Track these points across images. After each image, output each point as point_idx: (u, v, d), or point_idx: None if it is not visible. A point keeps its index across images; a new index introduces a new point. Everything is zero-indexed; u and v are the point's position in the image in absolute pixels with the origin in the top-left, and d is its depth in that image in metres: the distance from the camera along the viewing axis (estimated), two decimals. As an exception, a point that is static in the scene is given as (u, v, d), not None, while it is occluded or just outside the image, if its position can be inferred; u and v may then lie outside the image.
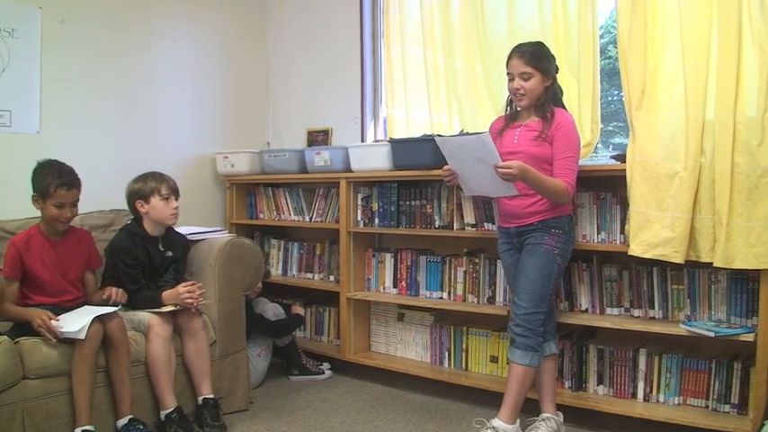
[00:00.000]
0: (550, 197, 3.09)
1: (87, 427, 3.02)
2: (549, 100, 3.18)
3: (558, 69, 3.24)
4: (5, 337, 3.02)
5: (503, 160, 2.94)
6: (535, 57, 3.15)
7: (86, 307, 3.35)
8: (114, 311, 3.24)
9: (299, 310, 4.54)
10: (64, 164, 3.32)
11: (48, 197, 3.23)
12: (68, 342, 3.05)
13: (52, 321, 3.02)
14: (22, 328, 3.13)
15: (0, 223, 3.61)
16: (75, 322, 3.07)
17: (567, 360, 3.62)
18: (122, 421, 3.19)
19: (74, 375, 3.03)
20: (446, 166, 3.22)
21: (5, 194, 3.80)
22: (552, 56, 3.22)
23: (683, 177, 3.08)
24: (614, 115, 4.06)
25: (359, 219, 4.40)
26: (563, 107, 3.24)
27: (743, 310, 3.19)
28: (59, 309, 3.23)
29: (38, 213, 3.35)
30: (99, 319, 3.12)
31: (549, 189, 3.04)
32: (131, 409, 3.22)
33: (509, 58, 3.21)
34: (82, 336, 3.02)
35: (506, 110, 3.37)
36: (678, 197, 3.09)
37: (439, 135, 3.51)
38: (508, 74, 3.22)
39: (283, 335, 4.36)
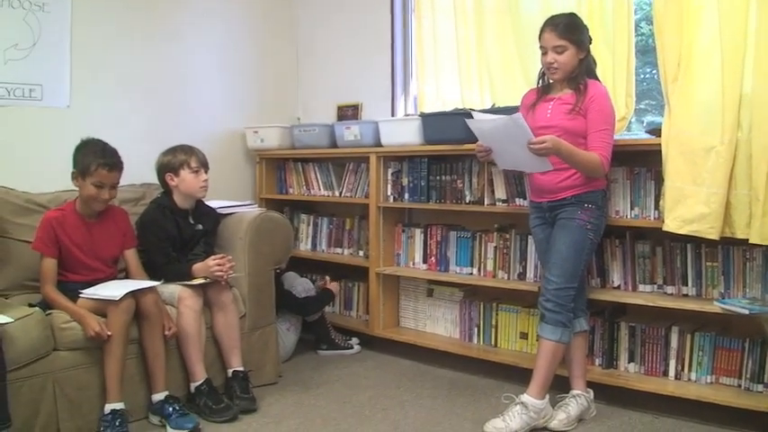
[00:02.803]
0: (585, 171, 3.04)
1: (117, 405, 3.04)
2: (582, 72, 3.11)
3: (591, 40, 3.18)
4: (37, 308, 3.05)
5: (535, 135, 2.90)
6: (569, 29, 3.08)
7: (126, 281, 3.38)
8: (151, 286, 3.25)
9: (332, 285, 4.54)
10: (108, 144, 3.30)
11: (87, 175, 3.20)
12: (100, 315, 3.08)
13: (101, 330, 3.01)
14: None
15: (31, 196, 3.64)
16: (113, 291, 3.10)
17: (598, 337, 3.59)
18: (158, 396, 3.21)
19: (105, 348, 3.04)
20: (479, 142, 3.18)
21: (36, 168, 3.83)
22: (585, 26, 3.15)
23: (719, 152, 3.01)
24: (647, 93, 3.98)
25: (389, 194, 4.38)
26: (597, 79, 3.18)
27: (778, 288, 3.14)
28: (90, 286, 3.24)
29: (68, 186, 3.37)
30: (133, 294, 3.13)
31: (584, 163, 3.00)
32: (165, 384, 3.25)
33: (541, 30, 3.14)
34: (116, 298, 3.04)
35: (539, 82, 3.31)
36: (714, 172, 3.02)
37: (471, 110, 3.47)
38: (541, 47, 3.15)
39: (310, 313, 4.37)
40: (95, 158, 3.20)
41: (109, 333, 3.01)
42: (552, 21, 3.12)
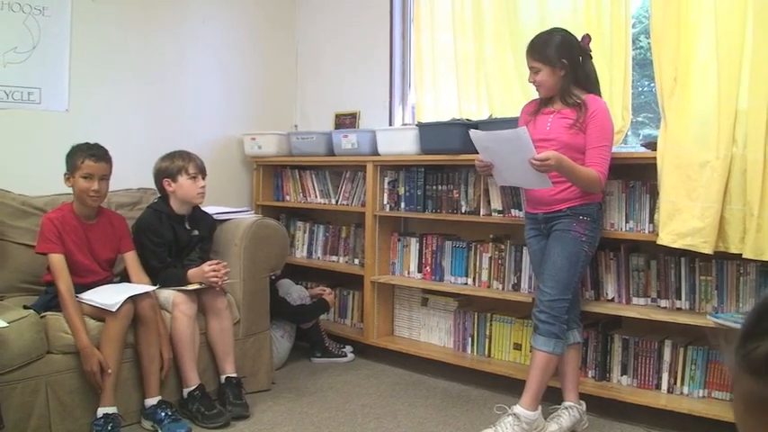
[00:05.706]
0: (582, 186, 3.05)
1: (109, 410, 3.04)
2: (567, 89, 3.12)
3: (580, 54, 3.13)
4: (31, 311, 3.06)
5: (535, 147, 2.90)
6: (538, 49, 3.10)
7: (124, 284, 3.39)
8: (147, 291, 3.26)
9: (328, 297, 4.53)
10: (96, 143, 3.33)
11: (76, 170, 3.23)
12: (97, 320, 3.10)
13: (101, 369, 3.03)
14: (48, 303, 3.17)
15: (28, 199, 3.65)
16: (110, 297, 3.10)
17: (592, 349, 3.59)
18: (151, 401, 3.21)
19: (100, 353, 3.05)
20: (479, 157, 3.18)
21: (34, 171, 3.83)
22: (566, 43, 3.11)
23: (714, 167, 3.02)
24: (644, 106, 4.00)
25: (385, 202, 4.39)
26: (598, 93, 3.18)
27: (772, 303, 3.13)
28: (87, 288, 3.25)
29: (65, 189, 3.37)
30: (131, 298, 3.14)
31: (582, 178, 3.01)
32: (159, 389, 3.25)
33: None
34: (113, 308, 3.05)
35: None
36: (709, 186, 3.03)
37: (468, 120, 3.46)
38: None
39: (304, 321, 4.37)
40: (82, 153, 3.26)
41: (101, 385, 3.03)
42: (531, 41, 3.16)
